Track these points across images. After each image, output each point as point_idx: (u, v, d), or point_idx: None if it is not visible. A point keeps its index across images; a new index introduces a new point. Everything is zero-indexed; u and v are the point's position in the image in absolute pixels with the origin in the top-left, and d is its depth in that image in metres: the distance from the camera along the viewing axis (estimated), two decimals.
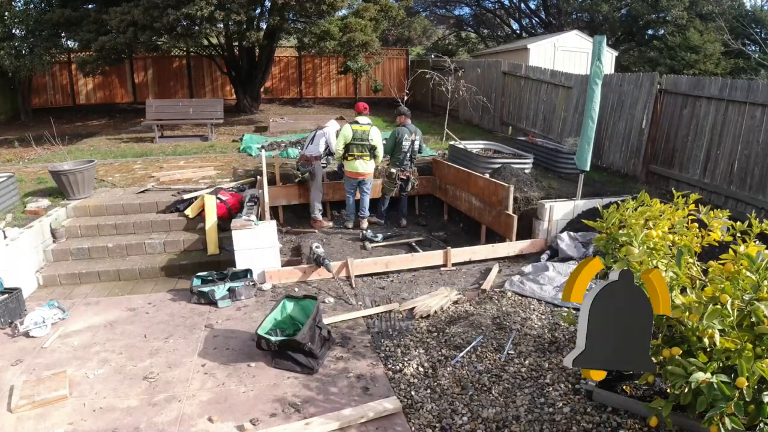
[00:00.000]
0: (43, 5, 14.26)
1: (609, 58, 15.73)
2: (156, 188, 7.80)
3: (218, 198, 6.93)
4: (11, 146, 11.33)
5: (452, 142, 9.81)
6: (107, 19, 11.90)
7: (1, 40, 12.81)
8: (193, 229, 6.88)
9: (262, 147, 10.62)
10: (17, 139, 11.83)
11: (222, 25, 12.61)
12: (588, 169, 7.04)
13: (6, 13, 12.96)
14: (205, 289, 5.42)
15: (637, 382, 3.61)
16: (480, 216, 7.83)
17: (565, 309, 5.07)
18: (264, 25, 14.22)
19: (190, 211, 6.94)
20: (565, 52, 15.96)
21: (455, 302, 5.34)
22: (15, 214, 6.65)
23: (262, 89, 16.78)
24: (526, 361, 4.20)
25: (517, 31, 27.89)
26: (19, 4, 14.20)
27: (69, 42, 15.53)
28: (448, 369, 4.15)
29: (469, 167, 8.31)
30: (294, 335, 4.43)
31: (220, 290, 5.42)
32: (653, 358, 3.10)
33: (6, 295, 5.02)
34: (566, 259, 6.31)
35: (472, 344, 4.45)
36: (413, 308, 5.19)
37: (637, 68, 19.57)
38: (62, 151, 9.76)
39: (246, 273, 5.75)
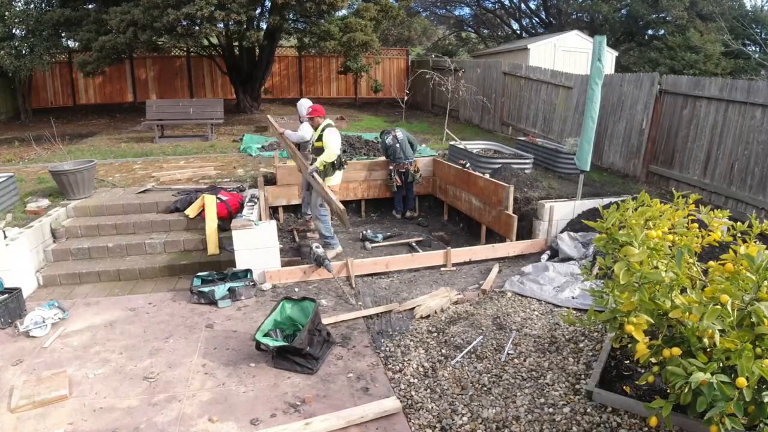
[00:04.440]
0: (43, 5, 14.25)
1: (609, 58, 15.74)
2: (156, 188, 7.79)
3: (218, 198, 6.93)
4: (11, 146, 11.32)
5: (452, 142, 9.83)
6: (107, 18, 11.90)
7: (2, 40, 12.80)
8: (194, 229, 6.88)
9: (263, 147, 10.64)
10: (17, 138, 11.82)
11: (222, 25, 12.59)
12: (588, 169, 7.04)
13: (6, 13, 12.95)
14: (206, 289, 5.42)
15: (637, 382, 3.61)
16: (480, 216, 7.83)
17: (565, 309, 5.07)
18: (264, 25, 14.23)
19: (190, 211, 6.93)
20: (566, 53, 15.97)
21: (455, 302, 5.34)
22: (15, 214, 6.65)
23: (262, 89, 16.77)
24: (526, 362, 4.19)
25: (518, 32, 27.90)
26: (20, 4, 14.18)
27: (69, 42, 15.52)
28: (448, 369, 4.15)
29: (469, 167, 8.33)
30: (293, 336, 4.45)
31: (220, 290, 5.41)
32: (653, 358, 3.10)
33: (6, 295, 5.02)
34: (566, 259, 6.31)
35: (472, 344, 4.44)
36: (413, 308, 5.18)
37: (637, 68, 19.57)
38: (62, 151, 9.75)
39: (246, 273, 5.75)
